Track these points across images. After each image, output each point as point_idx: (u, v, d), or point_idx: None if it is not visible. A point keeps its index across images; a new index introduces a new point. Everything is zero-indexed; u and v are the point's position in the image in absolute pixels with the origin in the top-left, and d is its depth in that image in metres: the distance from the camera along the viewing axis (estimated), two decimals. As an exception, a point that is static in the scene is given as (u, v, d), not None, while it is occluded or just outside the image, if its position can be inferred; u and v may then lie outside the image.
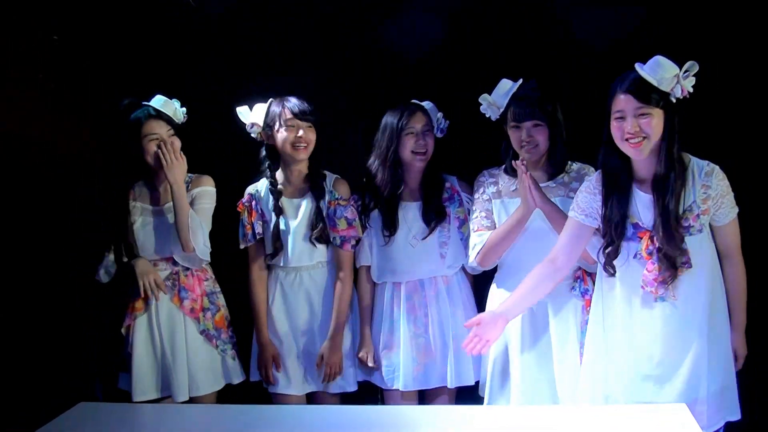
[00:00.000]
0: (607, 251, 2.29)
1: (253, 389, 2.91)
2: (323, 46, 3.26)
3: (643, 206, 2.27)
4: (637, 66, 2.20)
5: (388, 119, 2.77)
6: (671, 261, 2.20)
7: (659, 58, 2.19)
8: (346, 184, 2.81)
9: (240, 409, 2.37)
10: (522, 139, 2.54)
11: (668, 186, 2.20)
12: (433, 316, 2.76)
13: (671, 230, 2.18)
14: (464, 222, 2.78)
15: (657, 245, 2.21)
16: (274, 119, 2.71)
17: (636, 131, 2.18)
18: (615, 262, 2.30)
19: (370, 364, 2.80)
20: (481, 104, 2.64)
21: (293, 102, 2.71)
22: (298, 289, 2.79)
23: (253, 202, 2.82)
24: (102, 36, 3.22)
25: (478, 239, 2.65)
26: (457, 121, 2.83)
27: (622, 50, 2.86)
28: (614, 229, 2.26)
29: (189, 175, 2.78)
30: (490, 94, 2.62)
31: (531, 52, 3.08)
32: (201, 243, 2.70)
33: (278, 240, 2.76)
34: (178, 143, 2.71)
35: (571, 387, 2.51)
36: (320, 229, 2.73)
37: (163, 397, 2.75)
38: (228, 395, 2.86)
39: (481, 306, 2.79)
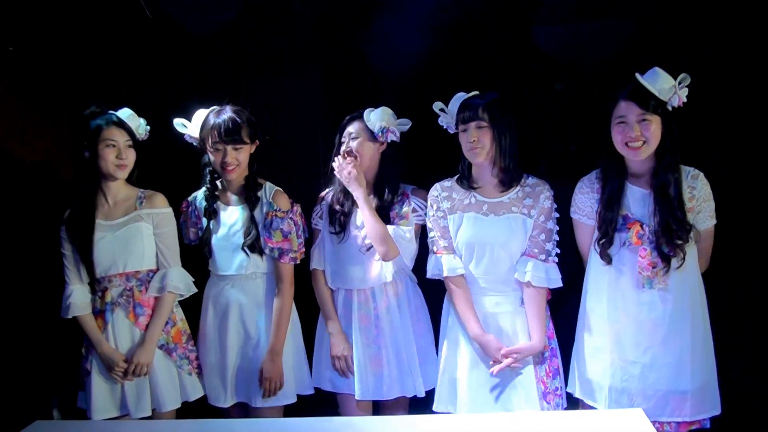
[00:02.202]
0: (602, 242, 2.49)
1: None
2: (311, 54, 3.29)
3: (634, 199, 2.48)
4: (638, 75, 2.39)
5: None
6: (667, 253, 2.40)
7: (658, 69, 2.39)
8: (286, 196, 2.76)
9: (194, 425, 2.37)
10: (468, 141, 2.57)
11: (671, 187, 2.41)
12: (384, 328, 2.77)
13: (674, 224, 2.39)
14: (404, 218, 2.76)
15: (648, 233, 2.41)
16: (205, 138, 2.69)
17: (637, 136, 2.38)
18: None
19: (349, 368, 2.77)
20: (438, 115, 2.67)
21: (222, 120, 2.64)
22: (228, 299, 2.76)
23: (189, 209, 2.83)
24: (73, 46, 3.19)
25: (434, 263, 2.67)
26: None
27: (610, 64, 3.00)
28: (609, 222, 2.47)
29: (141, 191, 2.77)
30: None
31: (521, 62, 3.15)
32: (181, 286, 2.75)
33: (208, 245, 2.76)
34: (132, 155, 2.70)
35: (526, 396, 2.56)
36: (252, 237, 2.69)
37: (122, 414, 2.70)
38: (187, 411, 2.81)
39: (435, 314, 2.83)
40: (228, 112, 2.67)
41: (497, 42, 3.16)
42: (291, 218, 2.72)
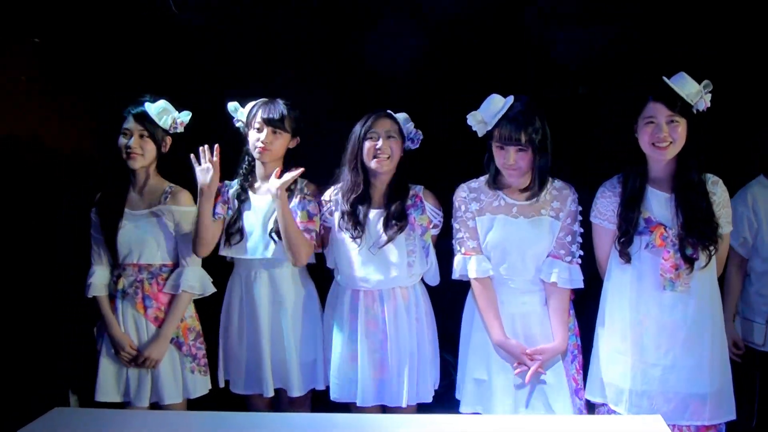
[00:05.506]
0: (622, 241, 2.50)
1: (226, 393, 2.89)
2: (310, 56, 3.29)
3: (657, 203, 2.50)
4: (665, 78, 2.43)
5: (355, 126, 2.73)
6: (690, 255, 2.42)
7: (684, 74, 2.44)
8: (316, 188, 2.83)
9: (215, 416, 2.36)
10: (506, 162, 2.54)
11: (696, 190, 2.45)
12: (391, 332, 2.70)
13: (703, 227, 2.43)
14: (426, 230, 2.73)
15: (672, 236, 2.44)
16: (249, 121, 2.78)
17: (665, 136, 2.41)
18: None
19: None
20: (467, 120, 2.62)
21: (268, 107, 2.74)
22: (259, 285, 2.76)
23: (223, 188, 2.84)
24: (104, 39, 3.20)
25: (462, 263, 2.65)
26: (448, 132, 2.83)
27: (605, 69, 3.05)
28: (629, 221, 2.48)
29: (170, 186, 2.82)
30: (474, 108, 2.60)
31: (513, 66, 3.14)
32: (197, 285, 2.77)
33: (235, 225, 2.78)
34: (148, 145, 2.73)
35: (560, 396, 2.56)
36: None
37: (124, 401, 2.75)
38: (202, 399, 2.83)
39: (445, 315, 2.83)
40: (279, 102, 2.78)
41: (519, 44, 3.17)
42: (318, 203, 2.79)
